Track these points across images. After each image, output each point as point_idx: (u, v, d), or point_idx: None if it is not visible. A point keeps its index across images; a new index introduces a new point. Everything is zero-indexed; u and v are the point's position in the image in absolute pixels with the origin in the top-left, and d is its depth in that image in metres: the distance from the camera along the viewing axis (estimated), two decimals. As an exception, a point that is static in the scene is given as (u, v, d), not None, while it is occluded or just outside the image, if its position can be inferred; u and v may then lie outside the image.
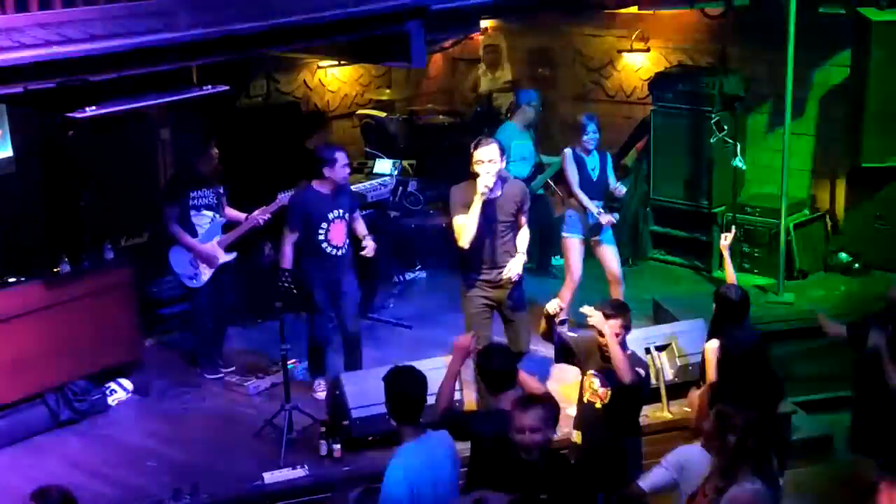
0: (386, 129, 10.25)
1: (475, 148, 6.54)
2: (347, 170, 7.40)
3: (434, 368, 6.95)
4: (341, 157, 7.30)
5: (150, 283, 8.37)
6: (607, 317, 5.69)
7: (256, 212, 7.69)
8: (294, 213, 7.29)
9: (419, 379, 4.91)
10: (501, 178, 6.66)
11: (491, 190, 6.51)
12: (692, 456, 4.84)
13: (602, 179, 8.09)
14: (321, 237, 7.24)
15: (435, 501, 4.72)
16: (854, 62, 8.91)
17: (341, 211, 7.32)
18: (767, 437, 4.30)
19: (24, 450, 6.95)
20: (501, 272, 6.70)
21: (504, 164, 6.70)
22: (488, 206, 6.58)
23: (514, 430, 4.69)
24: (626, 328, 5.75)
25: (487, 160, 6.47)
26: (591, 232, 8.08)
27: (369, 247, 7.45)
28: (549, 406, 4.79)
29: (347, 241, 7.38)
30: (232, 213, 7.88)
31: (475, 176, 6.52)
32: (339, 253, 7.32)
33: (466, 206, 6.56)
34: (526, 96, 9.32)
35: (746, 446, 4.27)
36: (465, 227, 6.55)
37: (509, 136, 8.93)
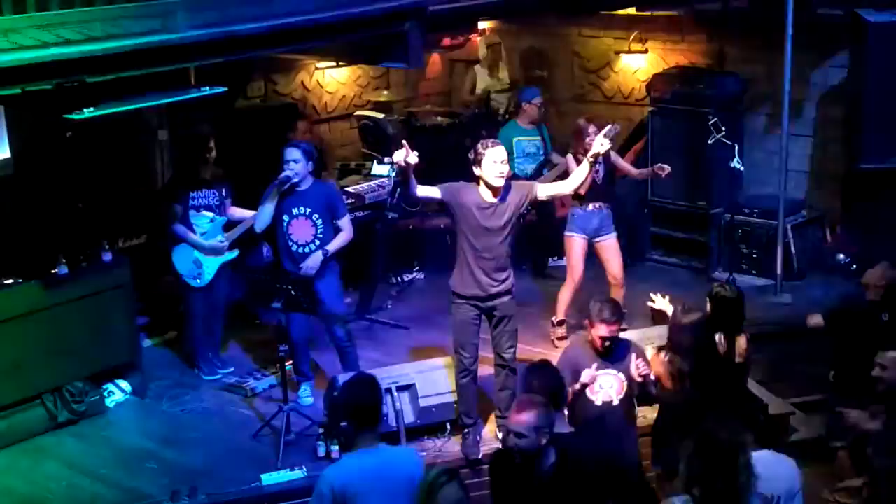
0: (384, 130, 10.24)
1: (486, 148, 6.24)
2: (287, 166, 7.01)
3: (432, 369, 7.03)
4: (286, 152, 7.06)
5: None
6: (608, 322, 5.85)
7: None
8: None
9: (372, 385, 4.88)
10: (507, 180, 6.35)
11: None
12: None
13: (605, 183, 8.04)
14: (284, 229, 7.18)
15: None
16: (852, 63, 8.93)
17: (307, 209, 7.13)
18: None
19: (22, 451, 6.94)
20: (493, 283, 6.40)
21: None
22: (487, 209, 6.30)
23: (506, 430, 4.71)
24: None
25: (501, 161, 6.22)
26: (595, 232, 8.03)
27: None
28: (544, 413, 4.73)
29: (318, 242, 7.17)
30: (238, 211, 7.83)
31: (476, 178, 6.29)
32: (304, 251, 7.18)
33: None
34: (529, 94, 9.34)
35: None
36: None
37: (512, 133, 9.02)
